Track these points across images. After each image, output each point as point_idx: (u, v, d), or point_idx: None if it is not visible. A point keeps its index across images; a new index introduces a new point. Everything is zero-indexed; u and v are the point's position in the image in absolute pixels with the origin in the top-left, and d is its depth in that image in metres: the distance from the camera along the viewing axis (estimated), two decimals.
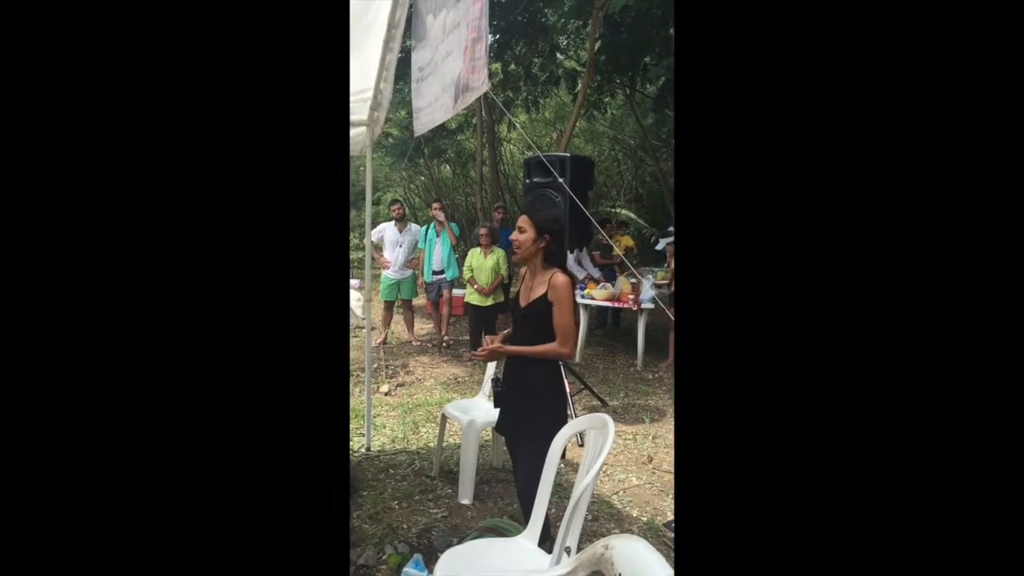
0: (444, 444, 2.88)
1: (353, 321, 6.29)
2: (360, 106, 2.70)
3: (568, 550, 1.44)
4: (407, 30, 2.44)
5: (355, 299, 6.36)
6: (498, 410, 2.09)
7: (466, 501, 2.52)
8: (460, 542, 2.04)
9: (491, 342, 1.99)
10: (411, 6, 2.32)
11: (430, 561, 1.88)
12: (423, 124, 2.45)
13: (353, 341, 5.76)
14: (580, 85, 6.20)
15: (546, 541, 1.74)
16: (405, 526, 2.35)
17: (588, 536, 2.22)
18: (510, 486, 2.54)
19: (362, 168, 4.27)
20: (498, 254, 4.86)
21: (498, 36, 6.85)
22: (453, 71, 1.86)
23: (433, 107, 2.19)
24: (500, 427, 2.09)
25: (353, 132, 2.78)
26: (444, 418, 2.79)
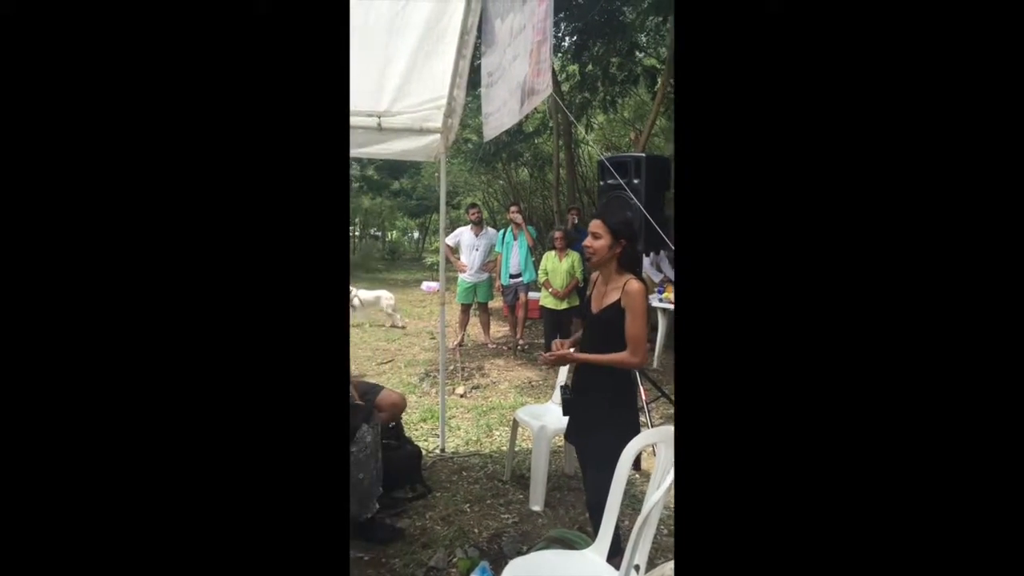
0: (516, 449, 2.87)
1: (388, 321, 6.46)
2: (435, 113, 2.75)
3: (637, 568, 1.38)
4: (479, 36, 2.46)
5: (387, 301, 6.54)
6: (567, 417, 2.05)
7: (537, 508, 2.50)
8: (529, 550, 2.02)
9: (560, 347, 1.95)
10: (481, 12, 2.33)
11: (498, 568, 1.86)
12: (492, 129, 2.46)
13: (429, 343, 5.90)
14: (660, 82, 6.02)
15: (616, 556, 1.68)
16: (476, 530, 2.36)
17: (663, 551, 2.13)
18: (582, 495, 2.49)
19: (437, 174, 4.37)
20: (573, 257, 4.80)
21: (575, 38, 6.78)
22: (519, 75, 1.85)
23: (501, 112, 2.19)
24: (569, 435, 2.05)
25: (427, 139, 2.84)
26: (516, 423, 2.78)
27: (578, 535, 2.08)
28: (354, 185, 17.64)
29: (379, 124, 2.72)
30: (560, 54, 7.12)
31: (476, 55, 2.65)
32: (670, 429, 1.52)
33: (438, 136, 2.83)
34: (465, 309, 5.69)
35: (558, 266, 4.82)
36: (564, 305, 4.82)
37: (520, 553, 2.00)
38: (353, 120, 2.72)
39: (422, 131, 2.81)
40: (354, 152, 2.93)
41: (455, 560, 2.11)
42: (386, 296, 6.73)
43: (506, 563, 1.58)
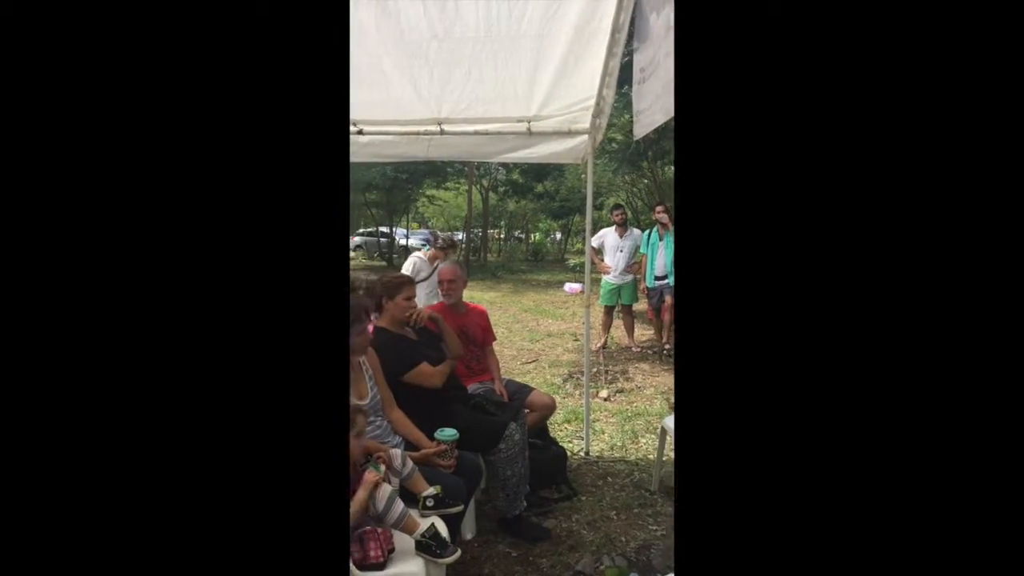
0: (664, 459, 2.76)
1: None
2: (583, 115, 2.74)
3: None
4: (630, 33, 2.39)
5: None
6: None
7: None
8: None
9: None
10: (635, 7, 2.27)
11: None
12: (643, 126, 2.38)
13: (572, 344, 5.90)
14: None
15: None
16: (623, 539, 2.30)
17: None
18: None
19: (583, 175, 4.35)
20: None
21: None
22: (672, 70, 1.76)
23: (653, 108, 2.11)
24: None
25: (575, 141, 2.84)
26: (664, 431, 2.67)
27: None
28: (500, 189, 18.27)
29: (529, 129, 2.77)
30: None
31: (624, 52, 2.58)
32: None
33: (585, 137, 2.81)
34: (609, 311, 5.60)
35: None
36: None
37: (670, 569, 1.91)
38: (503, 126, 2.81)
39: (570, 133, 2.82)
40: (503, 157, 3.02)
41: (603, 568, 2.07)
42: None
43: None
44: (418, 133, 2.84)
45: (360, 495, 1.67)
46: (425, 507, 1.80)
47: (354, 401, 2.02)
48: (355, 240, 23.55)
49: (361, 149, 2.94)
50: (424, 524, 1.68)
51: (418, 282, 3.54)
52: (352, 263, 19.41)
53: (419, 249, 5.07)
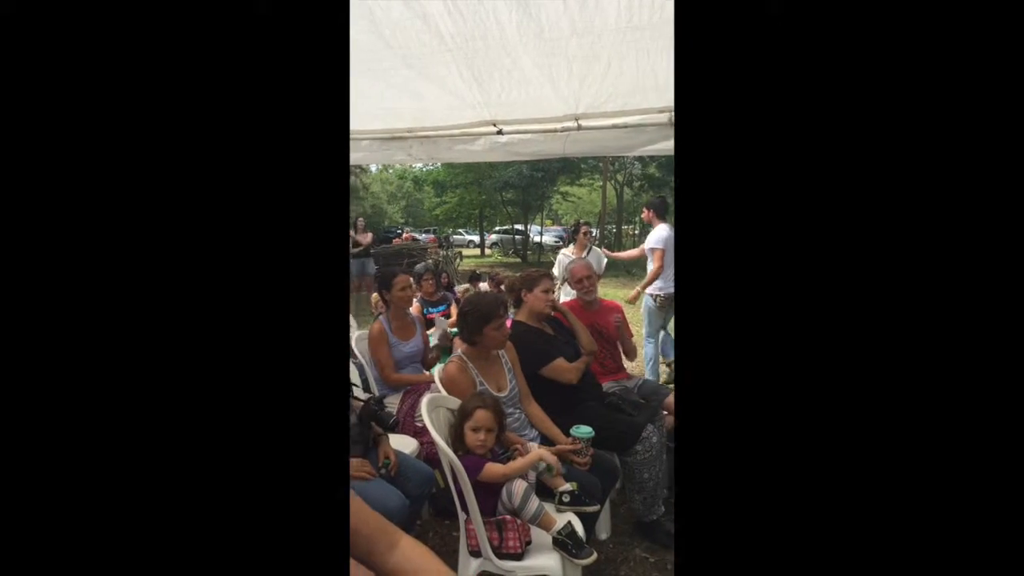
0: None
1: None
2: None
3: None
4: None
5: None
6: None
7: None
8: None
9: None
10: None
11: None
12: None
13: None
14: None
15: None
16: None
17: None
18: None
19: None
20: None
21: None
22: None
23: None
24: None
25: None
26: None
27: None
28: (635, 184, 17.86)
29: (670, 119, 2.67)
30: None
31: None
32: None
33: None
34: None
35: None
36: None
37: None
38: (642, 119, 2.73)
39: None
40: (641, 151, 2.93)
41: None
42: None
43: None
44: (555, 130, 2.86)
45: (519, 463, 1.73)
46: (561, 503, 1.81)
47: (494, 393, 2.09)
48: (491, 238, 24.43)
49: (500, 148, 3.02)
50: (561, 521, 1.69)
51: (564, 280, 3.57)
52: (487, 260, 20.14)
53: (558, 246, 5.19)
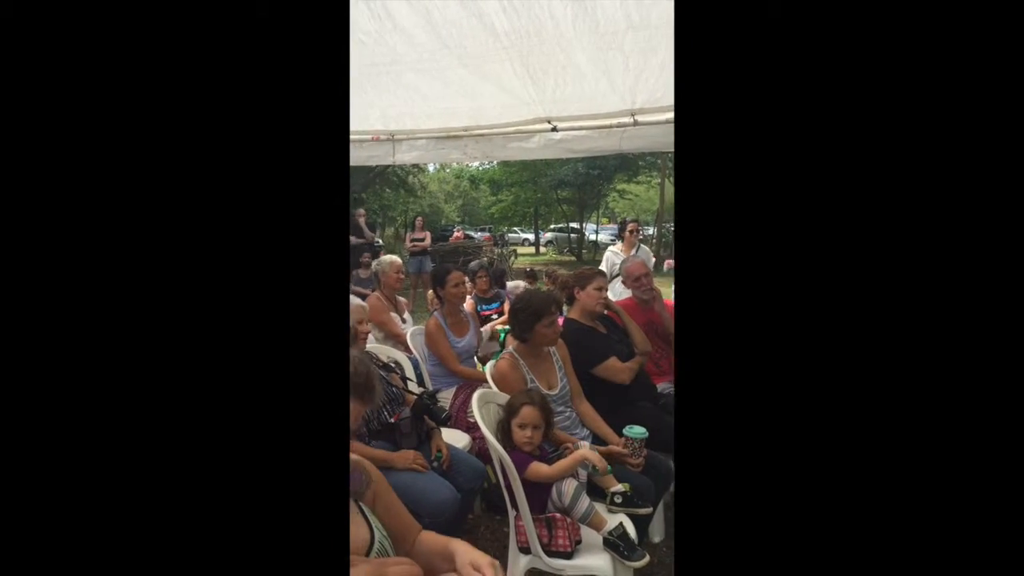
0: None
1: None
2: None
3: None
4: None
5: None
6: None
7: None
8: None
9: None
10: None
11: None
12: None
13: None
14: None
15: None
16: None
17: None
18: None
19: None
20: None
21: None
22: None
23: None
24: None
25: None
26: None
27: None
28: None
29: None
30: None
31: None
32: None
33: None
34: None
35: None
36: None
37: None
38: None
39: None
40: None
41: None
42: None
43: None
44: (610, 126, 2.82)
45: (563, 464, 1.72)
46: (613, 503, 1.79)
47: (544, 391, 2.08)
48: (546, 236, 24.38)
49: (554, 145, 3.01)
50: (612, 522, 1.66)
51: (613, 277, 3.53)
52: (542, 258, 20.12)
53: (612, 244, 5.15)
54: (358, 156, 3.78)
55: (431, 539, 1.18)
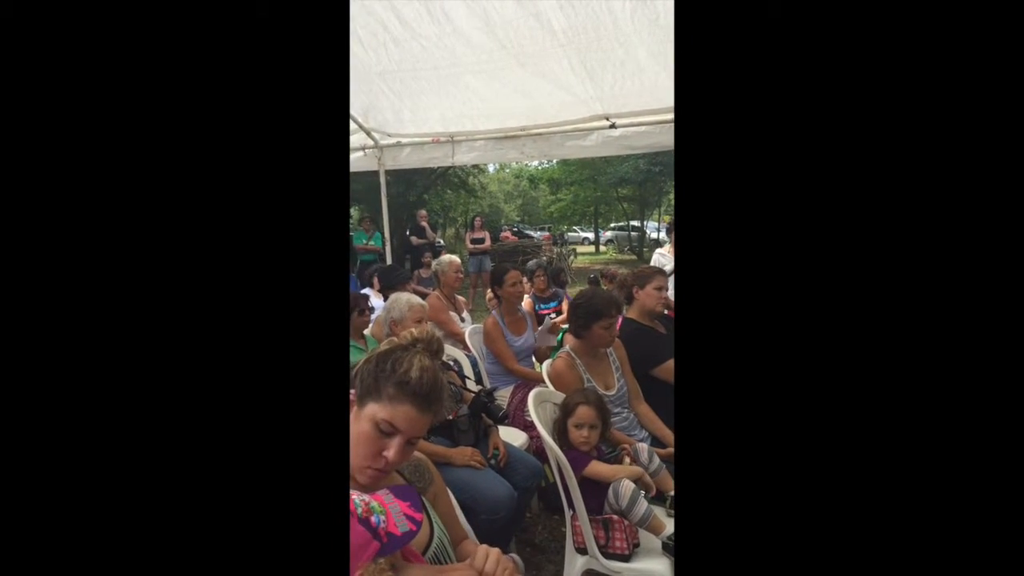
0: None
1: None
2: None
3: None
4: None
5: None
6: None
7: None
8: None
9: None
10: None
11: None
12: None
13: None
14: None
15: None
16: None
17: None
18: None
19: None
20: None
21: None
22: None
23: None
24: None
25: None
26: None
27: None
28: None
29: None
30: None
31: None
32: None
33: None
34: None
35: None
36: None
37: None
38: None
39: None
40: None
41: None
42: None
43: None
44: (671, 121, 2.76)
45: (618, 470, 1.71)
46: (673, 507, 1.75)
47: (601, 391, 2.06)
48: (606, 235, 24.09)
49: (613, 142, 2.97)
50: (671, 526, 1.63)
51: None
52: (602, 257, 19.89)
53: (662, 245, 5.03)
54: (419, 158, 3.87)
55: (469, 549, 1.18)
